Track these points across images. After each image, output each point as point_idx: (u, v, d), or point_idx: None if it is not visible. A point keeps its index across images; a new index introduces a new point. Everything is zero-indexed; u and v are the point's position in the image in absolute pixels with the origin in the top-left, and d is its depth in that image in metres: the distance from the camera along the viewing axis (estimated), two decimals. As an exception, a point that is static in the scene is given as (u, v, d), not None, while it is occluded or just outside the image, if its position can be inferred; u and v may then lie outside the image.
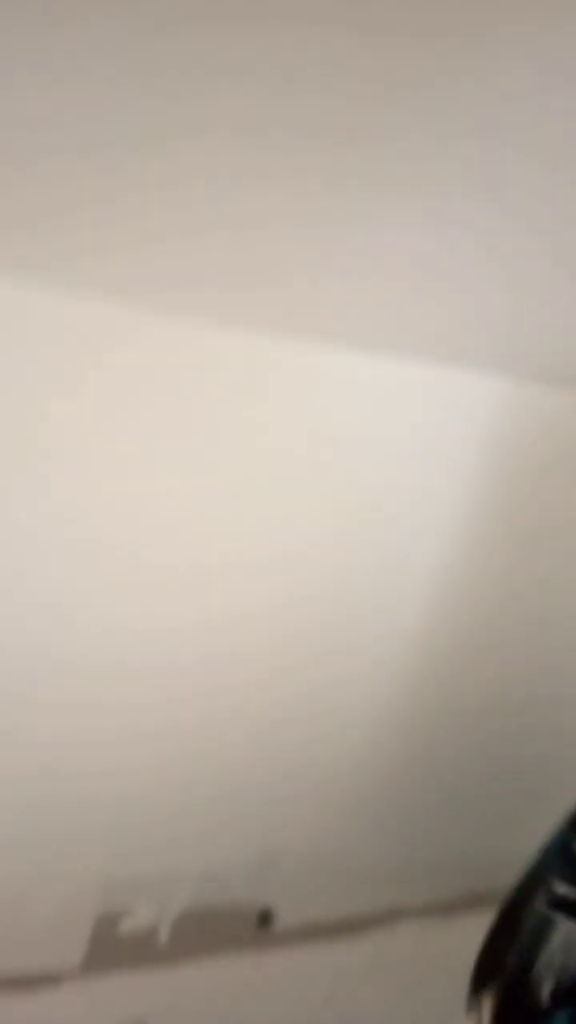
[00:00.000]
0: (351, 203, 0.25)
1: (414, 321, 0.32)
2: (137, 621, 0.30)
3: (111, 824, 0.31)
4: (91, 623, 0.29)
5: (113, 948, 0.30)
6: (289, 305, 0.30)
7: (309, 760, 0.33)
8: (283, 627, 0.33)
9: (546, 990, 0.26)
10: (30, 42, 0.19)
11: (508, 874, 0.38)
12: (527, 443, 0.38)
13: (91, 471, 0.28)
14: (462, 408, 0.36)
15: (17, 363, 0.25)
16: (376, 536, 0.35)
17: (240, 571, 0.32)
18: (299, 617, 0.34)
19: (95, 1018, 0.30)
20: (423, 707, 0.36)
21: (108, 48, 0.19)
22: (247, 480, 0.32)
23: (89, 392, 0.27)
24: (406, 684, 0.36)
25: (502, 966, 0.26)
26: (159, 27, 0.19)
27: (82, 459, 0.28)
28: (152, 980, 0.31)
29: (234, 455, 0.32)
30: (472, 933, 0.37)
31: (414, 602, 0.36)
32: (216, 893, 0.32)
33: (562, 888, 0.29)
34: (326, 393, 0.33)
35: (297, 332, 0.32)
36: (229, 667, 0.32)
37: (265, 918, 0.33)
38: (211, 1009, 0.30)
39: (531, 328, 0.34)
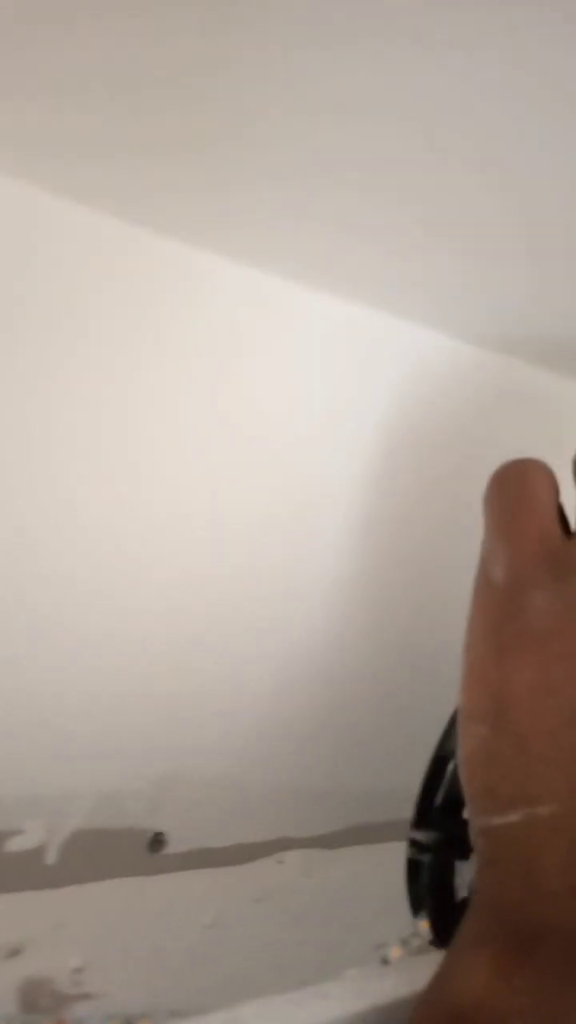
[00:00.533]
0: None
1: (353, 263, 0.33)
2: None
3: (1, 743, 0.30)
4: None
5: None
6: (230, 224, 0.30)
7: (211, 690, 0.33)
8: (187, 567, 0.33)
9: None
10: None
11: (387, 809, 0.39)
12: (451, 399, 0.39)
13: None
14: (388, 355, 0.37)
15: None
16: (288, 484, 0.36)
17: (134, 512, 0.32)
18: (207, 559, 0.33)
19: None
20: (326, 650, 0.37)
21: None
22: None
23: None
24: (311, 627, 0.36)
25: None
26: None
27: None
28: (37, 900, 0.30)
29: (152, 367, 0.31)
30: (352, 865, 0.38)
31: (324, 545, 0.37)
32: (108, 816, 0.32)
33: (418, 835, 0.30)
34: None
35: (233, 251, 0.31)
36: (138, 591, 0.32)
37: (156, 843, 0.33)
38: (97, 931, 0.30)
39: (476, 290, 0.35)
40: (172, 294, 0.31)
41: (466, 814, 0.22)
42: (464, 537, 0.39)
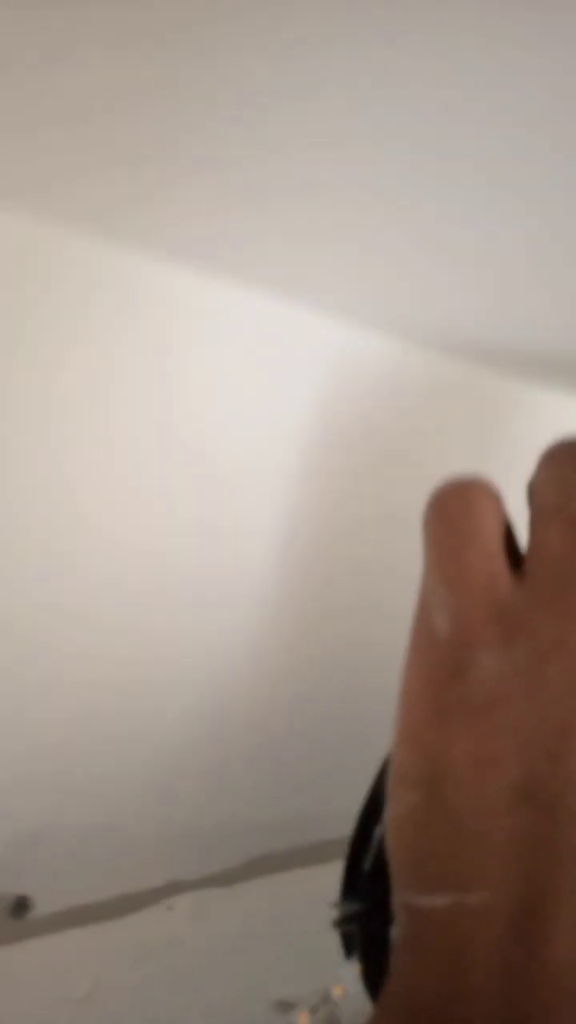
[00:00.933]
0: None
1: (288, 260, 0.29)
2: None
3: None
4: None
5: None
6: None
7: (76, 726, 0.29)
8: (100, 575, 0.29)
9: None
10: None
11: (287, 837, 0.36)
12: (377, 394, 0.36)
13: None
14: (313, 352, 0.34)
15: None
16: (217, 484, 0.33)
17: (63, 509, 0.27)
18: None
19: None
20: (220, 673, 0.33)
21: None
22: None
23: None
24: (208, 646, 0.33)
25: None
26: None
27: None
28: None
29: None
30: (251, 901, 0.35)
31: (250, 554, 0.34)
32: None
33: (345, 907, 0.29)
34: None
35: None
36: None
37: (20, 907, 0.29)
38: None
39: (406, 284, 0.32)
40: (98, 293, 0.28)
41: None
42: (389, 543, 0.36)
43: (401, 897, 0.18)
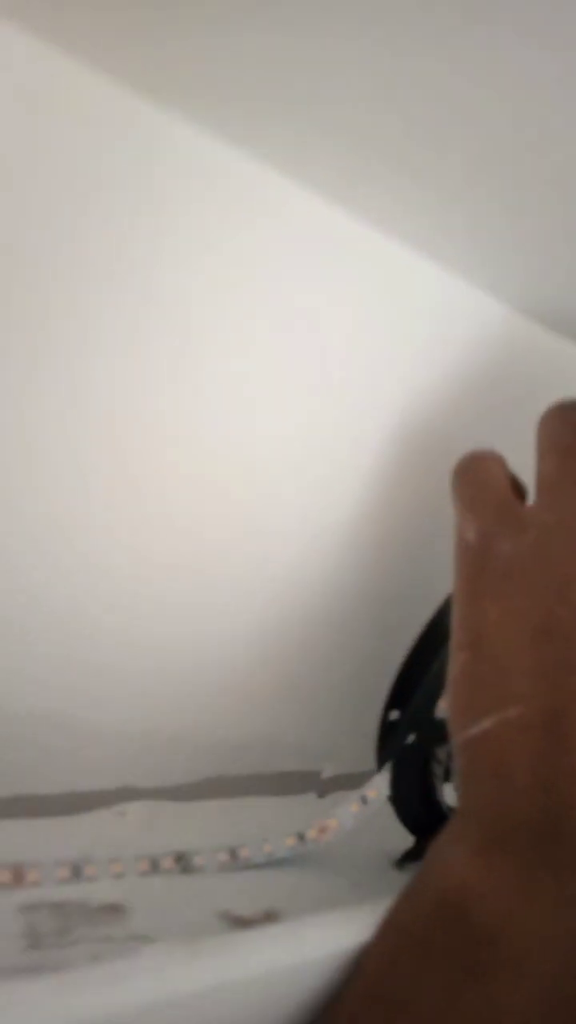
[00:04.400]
0: None
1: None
2: None
3: None
4: None
5: None
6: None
7: (44, 597, 0.28)
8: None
9: None
10: None
11: (249, 762, 0.35)
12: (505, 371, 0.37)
13: None
14: (439, 315, 0.35)
15: None
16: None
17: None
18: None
19: None
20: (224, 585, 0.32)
21: None
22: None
23: None
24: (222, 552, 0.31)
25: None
26: None
27: None
28: None
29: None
30: (203, 821, 0.34)
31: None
32: None
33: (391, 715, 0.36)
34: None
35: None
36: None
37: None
38: None
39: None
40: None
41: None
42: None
43: (459, 737, 0.24)
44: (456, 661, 0.25)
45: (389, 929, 0.20)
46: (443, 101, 0.24)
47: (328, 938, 0.19)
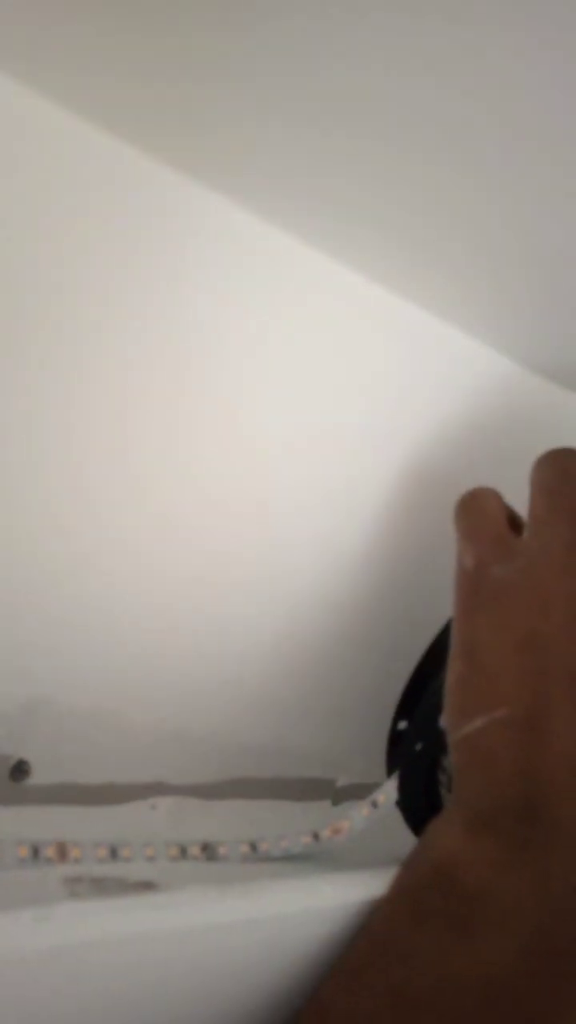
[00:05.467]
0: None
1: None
2: None
3: None
4: None
5: None
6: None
7: (94, 615, 0.32)
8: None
9: None
10: None
11: (269, 766, 0.38)
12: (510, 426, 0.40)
13: None
14: (450, 369, 0.39)
15: None
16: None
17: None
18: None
19: None
20: (251, 594, 0.36)
21: None
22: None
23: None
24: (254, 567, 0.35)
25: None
26: None
27: None
28: None
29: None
30: (226, 818, 0.37)
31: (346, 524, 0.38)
32: (-31, 736, 0.30)
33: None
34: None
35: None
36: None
37: (19, 771, 0.31)
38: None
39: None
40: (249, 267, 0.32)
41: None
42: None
43: (454, 736, 0.28)
44: (453, 670, 0.29)
45: (394, 891, 0.24)
46: (448, 184, 0.29)
47: (339, 891, 0.22)
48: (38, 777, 0.31)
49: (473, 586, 0.30)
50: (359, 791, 0.42)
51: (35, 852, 0.29)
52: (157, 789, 0.35)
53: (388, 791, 0.36)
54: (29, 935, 0.17)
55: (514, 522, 0.32)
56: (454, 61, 0.23)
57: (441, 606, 0.36)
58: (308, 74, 0.24)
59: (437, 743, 0.36)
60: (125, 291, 0.30)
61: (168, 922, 0.19)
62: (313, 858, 0.36)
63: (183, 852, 0.33)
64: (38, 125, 0.26)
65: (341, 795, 0.42)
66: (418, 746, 0.36)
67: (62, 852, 0.30)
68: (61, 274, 0.28)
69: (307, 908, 0.21)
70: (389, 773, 0.37)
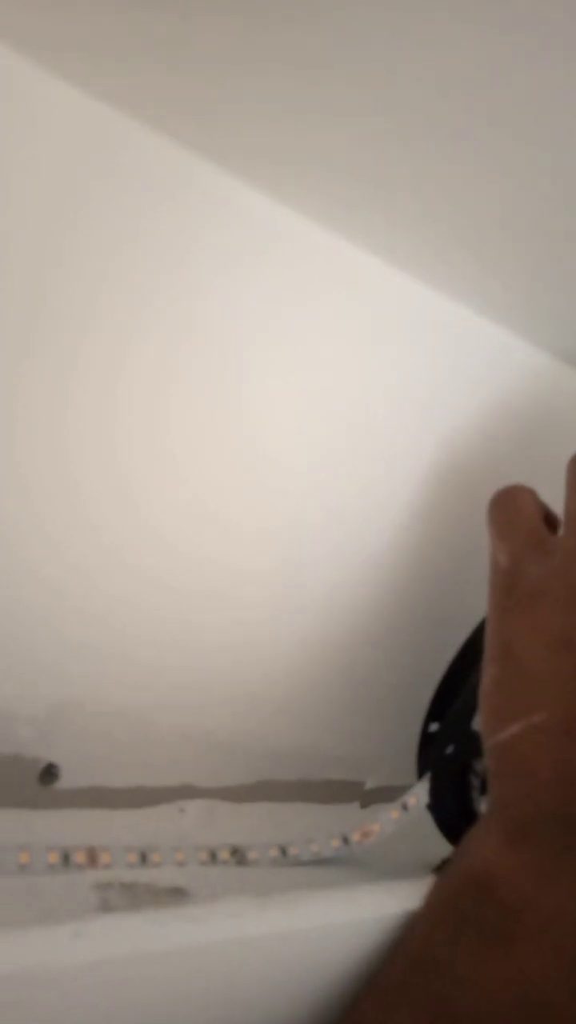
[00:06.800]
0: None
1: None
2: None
3: None
4: None
5: None
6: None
7: (121, 616, 0.31)
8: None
9: None
10: None
11: (294, 769, 0.38)
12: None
13: None
14: (480, 361, 0.38)
15: None
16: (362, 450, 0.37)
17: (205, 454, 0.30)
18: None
19: None
20: (279, 601, 0.35)
21: None
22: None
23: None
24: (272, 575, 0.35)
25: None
26: None
27: None
28: None
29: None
30: (254, 821, 0.37)
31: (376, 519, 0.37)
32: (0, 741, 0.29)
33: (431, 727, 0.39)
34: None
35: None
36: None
37: (49, 774, 0.31)
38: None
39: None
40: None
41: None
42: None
43: (490, 742, 0.27)
44: (488, 672, 0.28)
45: (431, 903, 0.23)
46: (482, 171, 0.28)
47: (377, 902, 0.22)
48: (67, 781, 0.31)
49: (508, 586, 0.29)
50: (387, 794, 0.42)
51: (65, 858, 0.28)
52: (185, 792, 0.35)
53: (419, 794, 0.35)
54: (67, 951, 0.16)
55: (550, 520, 0.32)
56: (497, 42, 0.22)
57: (474, 605, 0.35)
58: (327, 57, 0.24)
59: (470, 746, 0.35)
60: (135, 286, 0.29)
61: (206, 936, 0.19)
62: (343, 862, 0.35)
63: (213, 857, 0.32)
64: (45, 100, 0.26)
65: (369, 798, 0.42)
66: (449, 749, 0.35)
67: (92, 857, 0.30)
68: (72, 263, 0.28)
69: (345, 921, 0.21)
70: (420, 776, 0.36)
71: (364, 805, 0.42)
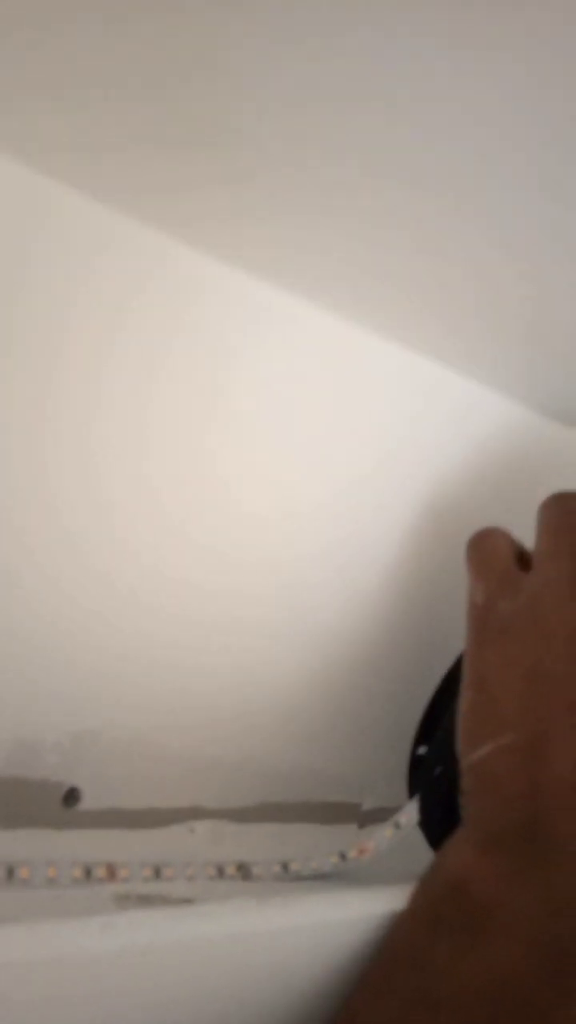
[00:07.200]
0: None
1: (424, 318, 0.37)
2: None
3: None
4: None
5: None
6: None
7: (134, 647, 0.35)
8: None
9: None
10: None
11: (297, 790, 0.41)
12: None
13: None
14: (457, 415, 0.42)
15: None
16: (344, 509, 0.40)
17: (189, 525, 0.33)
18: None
19: None
20: (278, 626, 0.38)
21: None
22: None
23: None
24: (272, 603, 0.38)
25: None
26: None
27: None
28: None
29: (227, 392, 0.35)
30: (259, 840, 0.40)
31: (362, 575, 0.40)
32: (25, 765, 0.32)
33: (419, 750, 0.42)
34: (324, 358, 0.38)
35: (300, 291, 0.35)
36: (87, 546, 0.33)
37: (71, 797, 0.34)
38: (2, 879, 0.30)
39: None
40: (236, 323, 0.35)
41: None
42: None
43: (465, 762, 0.31)
44: (464, 699, 0.32)
45: (413, 905, 0.26)
46: (451, 231, 0.31)
47: (365, 903, 0.25)
48: (88, 803, 0.34)
49: (482, 620, 0.32)
50: (384, 815, 0.45)
51: (88, 872, 0.31)
52: (194, 813, 0.38)
53: (410, 813, 0.38)
54: (97, 939, 0.20)
55: (524, 558, 0.35)
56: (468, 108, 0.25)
57: (455, 638, 0.38)
58: (309, 158, 0.28)
59: (455, 768, 0.38)
60: (123, 354, 0.33)
61: (213, 929, 0.22)
62: (340, 876, 0.38)
63: (220, 872, 0.35)
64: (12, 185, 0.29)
65: (367, 819, 0.45)
66: (437, 770, 0.38)
67: (111, 872, 0.33)
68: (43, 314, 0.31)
69: (336, 918, 0.24)
70: (410, 796, 0.39)
71: (362, 826, 0.45)
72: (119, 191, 0.30)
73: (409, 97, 0.24)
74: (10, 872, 0.29)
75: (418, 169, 0.28)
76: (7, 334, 0.30)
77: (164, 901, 0.32)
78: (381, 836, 0.38)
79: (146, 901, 0.32)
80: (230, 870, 0.35)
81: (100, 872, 0.32)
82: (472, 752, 0.30)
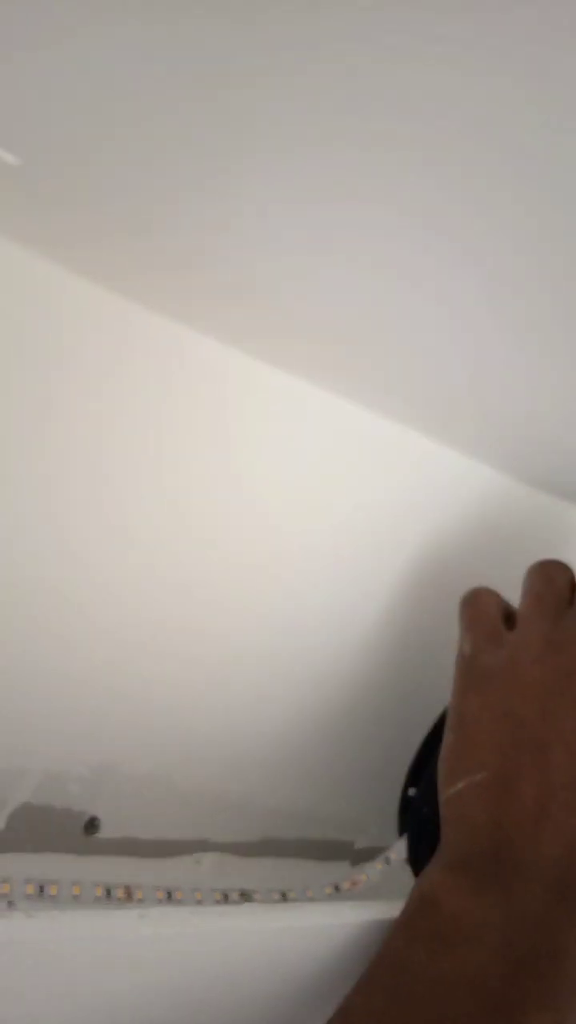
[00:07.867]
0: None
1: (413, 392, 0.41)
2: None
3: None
4: None
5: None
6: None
7: (149, 685, 0.39)
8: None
9: None
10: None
11: (295, 828, 0.44)
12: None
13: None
14: (444, 485, 0.46)
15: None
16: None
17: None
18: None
19: None
20: (288, 665, 0.42)
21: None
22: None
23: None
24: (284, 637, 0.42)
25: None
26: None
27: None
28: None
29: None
30: (261, 873, 0.43)
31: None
32: (52, 794, 0.36)
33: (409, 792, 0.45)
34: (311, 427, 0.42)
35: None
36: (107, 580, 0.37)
37: (92, 826, 0.37)
38: (34, 895, 0.34)
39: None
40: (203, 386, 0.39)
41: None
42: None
43: (442, 797, 0.34)
44: (445, 740, 0.35)
45: (396, 920, 0.30)
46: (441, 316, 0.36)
47: (356, 911, 0.28)
48: (106, 831, 0.38)
49: (468, 669, 0.37)
50: (375, 854, 0.48)
51: (108, 892, 0.35)
52: (202, 846, 0.41)
53: (399, 849, 0.42)
54: (133, 927, 0.23)
55: (510, 617, 0.39)
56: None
57: (445, 687, 0.42)
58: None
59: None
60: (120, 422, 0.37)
61: (230, 923, 0.25)
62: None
63: (225, 897, 0.38)
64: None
65: (359, 857, 0.48)
66: (425, 809, 0.42)
67: (128, 893, 0.36)
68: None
69: (329, 923, 0.27)
70: (400, 834, 0.43)
71: (354, 863, 0.48)
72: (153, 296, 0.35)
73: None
74: (41, 889, 0.33)
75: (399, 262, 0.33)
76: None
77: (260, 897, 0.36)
78: (372, 870, 0.42)
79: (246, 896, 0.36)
80: (234, 896, 0.39)
81: (119, 893, 0.36)
82: (450, 787, 0.33)
